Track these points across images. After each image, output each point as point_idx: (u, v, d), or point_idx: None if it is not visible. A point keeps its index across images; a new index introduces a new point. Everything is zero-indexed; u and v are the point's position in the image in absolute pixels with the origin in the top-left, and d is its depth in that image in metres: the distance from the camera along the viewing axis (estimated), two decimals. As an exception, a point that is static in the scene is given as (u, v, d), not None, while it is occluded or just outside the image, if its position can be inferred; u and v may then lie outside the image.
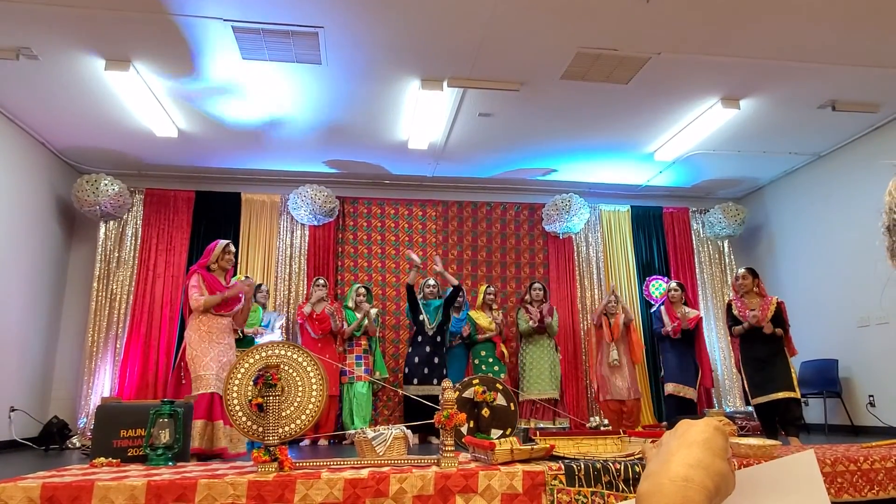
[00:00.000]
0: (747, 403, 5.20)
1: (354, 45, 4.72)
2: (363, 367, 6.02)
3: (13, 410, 5.79)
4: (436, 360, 5.90)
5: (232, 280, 4.63)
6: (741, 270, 5.22)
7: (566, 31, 4.54)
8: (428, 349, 5.91)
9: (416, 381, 5.78)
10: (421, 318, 5.96)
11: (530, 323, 6.36)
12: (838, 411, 6.43)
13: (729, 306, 5.16)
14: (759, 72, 5.14)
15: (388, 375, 6.45)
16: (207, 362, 4.23)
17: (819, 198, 6.98)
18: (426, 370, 5.83)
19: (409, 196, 7.63)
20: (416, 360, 5.89)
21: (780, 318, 4.96)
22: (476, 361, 6.29)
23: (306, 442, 5.71)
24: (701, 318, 6.25)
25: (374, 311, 6.35)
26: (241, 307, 4.55)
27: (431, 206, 7.62)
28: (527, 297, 6.58)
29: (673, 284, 6.31)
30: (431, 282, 6.28)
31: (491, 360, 6.25)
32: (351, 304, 6.24)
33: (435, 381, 5.71)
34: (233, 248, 4.60)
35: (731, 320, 5.09)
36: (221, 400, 4.15)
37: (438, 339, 5.99)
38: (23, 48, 4.65)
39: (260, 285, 6.45)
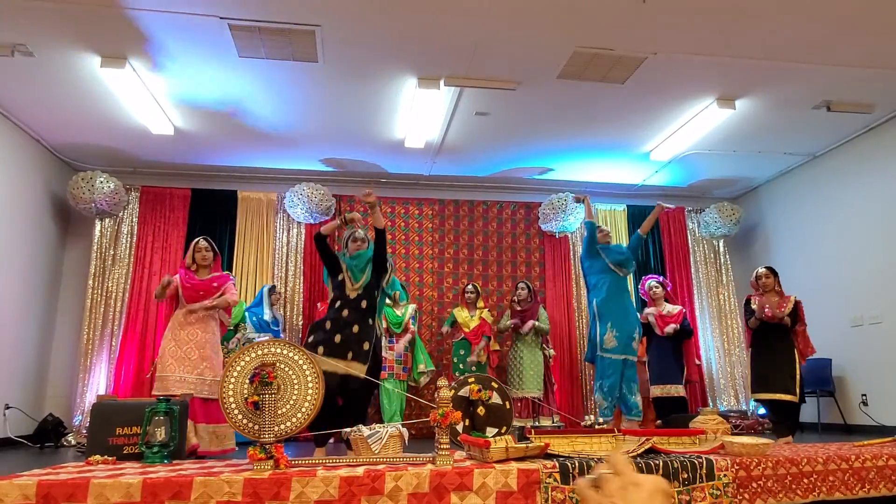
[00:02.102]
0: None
1: (351, 44, 4.71)
2: (402, 365, 6.12)
3: (8, 408, 5.78)
4: (354, 328, 4.10)
5: (212, 274, 4.62)
6: (762, 269, 5.20)
7: (563, 30, 4.55)
8: (346, 313, 4.14)
9: (322, 349, 3.98)
10: (340, 277, 4.29)
11: (508, 323, 6.51)
12: (831, 410, 6.47)
13: (747, 302, 5.18)
14: (754, 72, 5.16)
15: (433, 367, 6.44)
16: (170, 363, 4.27)
17: (814, 198, 7.01)
18: (338, 338, 4.05)
19: (405, 195, 7.63)
20: (328, 324, 4.10)
21: (796, 316, 5.00)
22: (455, 360, 6.36)
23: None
24: (684, 311, 6.20)
25: (411, 307, 6.41)
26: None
27: (428, 205, 7.62)
28: (514, 297, 6.63)
29: (652, 282, 6.24)
30: (360, 233, 4.53)
31: (469, 358, 6.30)
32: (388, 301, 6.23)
33: (350, 356, 4.00)
34: (203, 244, 4.58)
35: (749, 314, 5.11)
36: (198, 401, 4.21)
37: (364, 304, 4.23)
38: (18, 45, 4.64)
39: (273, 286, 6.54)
